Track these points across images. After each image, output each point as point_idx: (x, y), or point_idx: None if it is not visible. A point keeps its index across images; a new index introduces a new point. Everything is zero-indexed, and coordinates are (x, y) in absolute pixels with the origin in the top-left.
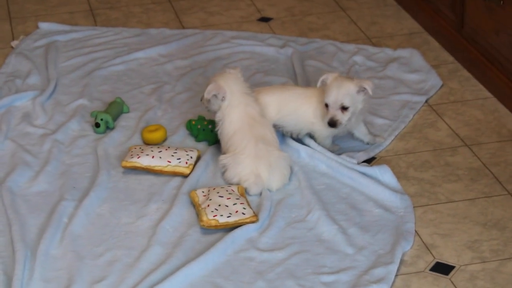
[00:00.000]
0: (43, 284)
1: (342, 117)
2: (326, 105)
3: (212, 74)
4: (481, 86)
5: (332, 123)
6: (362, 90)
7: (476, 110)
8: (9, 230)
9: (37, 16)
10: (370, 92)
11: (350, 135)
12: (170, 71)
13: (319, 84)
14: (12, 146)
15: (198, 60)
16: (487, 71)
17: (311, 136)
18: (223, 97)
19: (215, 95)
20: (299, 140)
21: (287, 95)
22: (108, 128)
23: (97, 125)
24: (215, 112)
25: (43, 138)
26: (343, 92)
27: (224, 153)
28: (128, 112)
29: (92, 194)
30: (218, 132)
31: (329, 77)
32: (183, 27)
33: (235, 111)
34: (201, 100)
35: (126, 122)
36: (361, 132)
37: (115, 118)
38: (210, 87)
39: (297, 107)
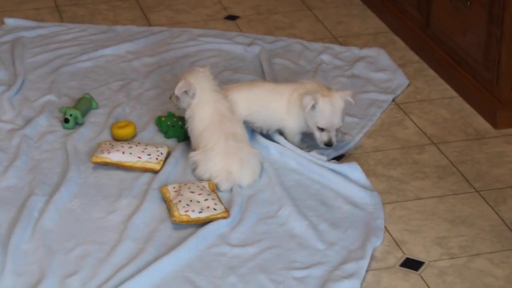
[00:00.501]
0: (14, 278)
1: (336, 135)
2: (321, 128)
3: (180, 72)
4: (447, 86)
5: (330, 145)
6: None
7: (443, 109)
8: None
9: (2, 12)
10: (353, 102)
11: None
12: (138, 68)
13: (308, 109)
14: None
15: (165, 57)
16: (453, 71)
17: (280, 133)
18: (193, 94)
19: (185, 92)
20: (269, 137)
21: (256, 91)
22: (77, 124)
23: (66, 120)
24: (184, 110)
25: (11, 133)
26: (338, 115)
27: (194, 150)
28: (97, 108)
29: (63, 189)
30: (188, 129)
31: (318, 100)
32: (150, 25)
33: (205, 107)
34: (170, 98)
35: (95, 118)
36: None
37: (84, 114)
38: (180, 84)
39: (268, 103)
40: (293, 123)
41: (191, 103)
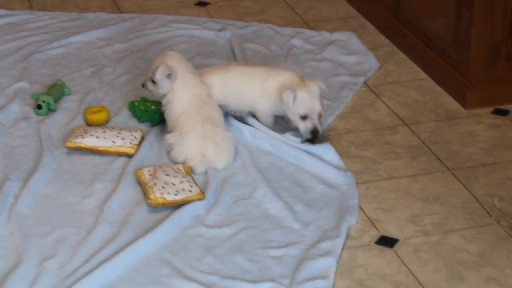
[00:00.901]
0: None
1: (319, 123)
2: (304, 117)
3: (153, 57)
4: (417, 68)
5: (316, 133)
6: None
7: (413, 91)
8: None
9: None
10: (326, 89)
11: None
12: (109, 54)
13: (290, 101)
14: None
15: (137, 43)
16: (423, 53)
17: (253, 115)
18: (175, 77)
19: (168, 76)
20: (242, 120)
21: (230, 75)
22: (50, 110)
23: (38, 107)
24: (161, 95)
25: None
26: (317, 100)
27: (170, 133)
28: (69, 94)
29: (37, 175)
30: (165, 112)
31: (297, 91)
32: (120, 12)
33: (185, 91)
34: (143, 86)
35: (68, 104)
36: None
37: (56, 100)
38: (162, 68)
39: (242, 87)
40: (264, 106)
41: (171, 87)
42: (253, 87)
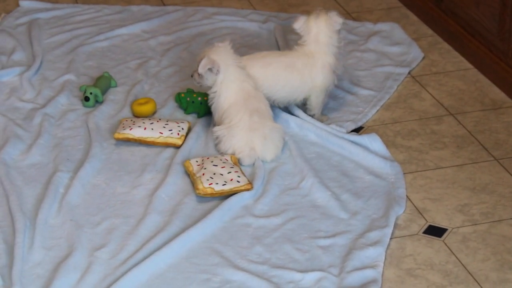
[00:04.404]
0: (44, 252)
1: None
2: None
3: (198, 49)
4: (461, 58)
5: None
6: None
7: (458, 81)
8: (7, 201)
9: None
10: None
11: (337, 104)
12: (154, 46)
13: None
14: (2, 120)
15: (181, 35)
16: (467, 43)
17: (298, 106)
18: (217, 71)
19: (210, 70)
20: (288, 111)
21: (272, 69)
22: (97, 102)
23: (86, 99)
24: (208, 87)
25: (32, 112)
26: None
27: (217, 125)
28: (115, 86)
29: (87, 165)
30: (212, 106)
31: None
32: (164, 4)
33: (231, 86)
34: (192, 76)
35: (115, 96)
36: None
37: (103, 92)
38: (204, 62)
39: (286, 78)
40: (320, 82)
41: (216, 80)
42: (296, 76)
